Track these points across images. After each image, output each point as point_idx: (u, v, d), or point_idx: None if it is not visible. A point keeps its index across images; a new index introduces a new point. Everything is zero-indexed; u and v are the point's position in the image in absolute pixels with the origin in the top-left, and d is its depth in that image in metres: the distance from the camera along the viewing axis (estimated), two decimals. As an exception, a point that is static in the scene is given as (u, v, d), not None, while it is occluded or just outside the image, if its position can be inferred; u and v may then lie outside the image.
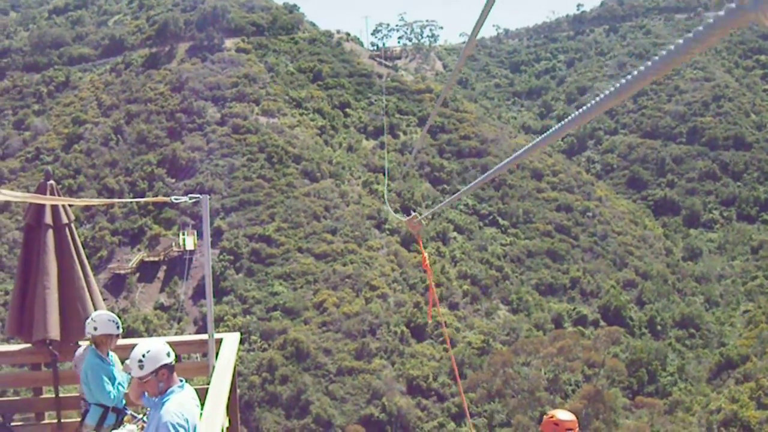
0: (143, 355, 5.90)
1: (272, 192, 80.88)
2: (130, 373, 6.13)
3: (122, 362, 8.32)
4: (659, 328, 73.28)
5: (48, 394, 9.78)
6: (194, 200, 8.47)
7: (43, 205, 9.17)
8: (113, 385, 8.06)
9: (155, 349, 5.97)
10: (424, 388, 60.73)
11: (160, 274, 73.34)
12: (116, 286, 70.37)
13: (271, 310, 67.47)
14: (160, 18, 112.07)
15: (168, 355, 5.99)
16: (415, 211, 79.30)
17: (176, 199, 8.49)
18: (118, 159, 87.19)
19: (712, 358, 68.41)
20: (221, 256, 71.81)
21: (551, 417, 7.11)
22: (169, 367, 6.00)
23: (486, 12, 2.79)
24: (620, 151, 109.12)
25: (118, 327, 8.20)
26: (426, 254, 6.39)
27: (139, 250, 75.90)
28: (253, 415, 56.49)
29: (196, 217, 75.38)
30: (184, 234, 73.72)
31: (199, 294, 69.39)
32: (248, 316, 66.24)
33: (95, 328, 8.07)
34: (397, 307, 68.77)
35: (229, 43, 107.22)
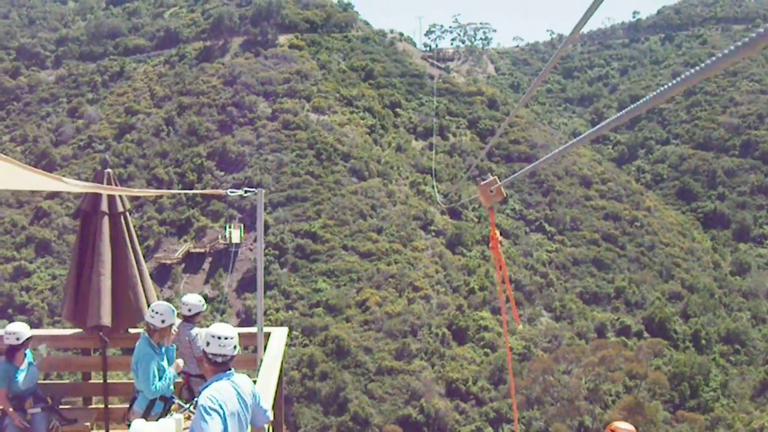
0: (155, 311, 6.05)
1: (320, 189, 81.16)
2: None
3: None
4: (704, 342, 72.21)
5: (96, 379, 9.89)
6: (249, 193, 8.50)
7: (100, 193, 9.27)
8: (162, 376, 8.13)
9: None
10: (463, 392, 60.50)
11: (206, 266, 73.95)
12: (162, 275, 71.04)
13: (314, 307, 67.69)
14: (215, 12, 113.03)
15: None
16: (463, 209, 79.16)
17: (231, 192, 8.53)
18: (169, 150, 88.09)
19: (756, 375, 67.32)
20: (266, 251, 72.05)
21: (611, 428, 7.04)
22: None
23: (592, 11, 2.76)
24: (671, 162, 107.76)
25: (175, 316, 8.33)
26: (498, 236, 5.95)
27: (185, 241, 76.62)
28: (291, 410, 56.73)
29: (243, 210, 75.97)
30: (230, 227, 74.31)
31: (243, 287, 69.84)
32: (291, 312, 66.54)
33: (163, 321, 8.16)
34: (440, 309, 68.63)
35: (282, 39, 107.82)
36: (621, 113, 2.86)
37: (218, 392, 5.97)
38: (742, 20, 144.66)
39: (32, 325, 9.15)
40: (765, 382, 65.02)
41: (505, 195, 5.60)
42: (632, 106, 2.74)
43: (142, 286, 9.58)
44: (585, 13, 2.92)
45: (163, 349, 8.31)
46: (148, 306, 8.60)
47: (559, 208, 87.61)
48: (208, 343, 6.13)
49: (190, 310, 9.13)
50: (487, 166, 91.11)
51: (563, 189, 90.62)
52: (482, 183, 5.51)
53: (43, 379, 9.34)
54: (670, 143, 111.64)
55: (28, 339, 8.73)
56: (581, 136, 3.36)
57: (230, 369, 6.22)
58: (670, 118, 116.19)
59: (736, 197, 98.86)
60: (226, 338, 6.13)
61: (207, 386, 6.04)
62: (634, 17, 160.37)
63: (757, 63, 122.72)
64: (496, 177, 5.71)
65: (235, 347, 6.21)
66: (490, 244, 5.89)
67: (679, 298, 78.25)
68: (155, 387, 8.04)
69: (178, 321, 8.50)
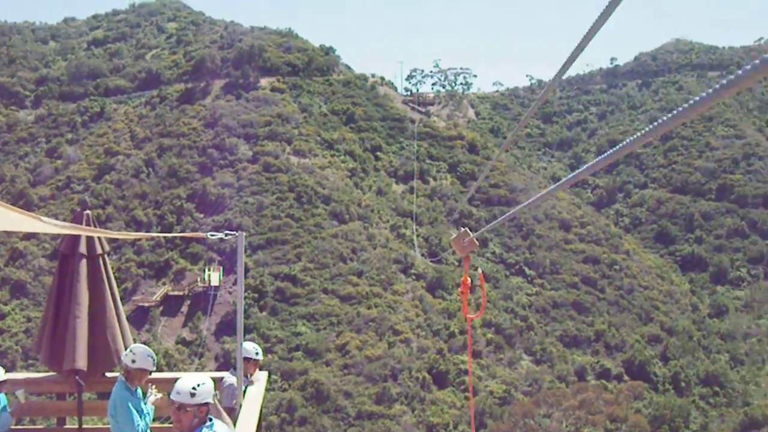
0: (198, 385, 5.96)
1: (300, 232, 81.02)
2: (173, 401, 6.13)
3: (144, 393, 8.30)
4: (683, 384, 72.34)
5: (71, 424, 9.75)
6: (229, 237, 8.44)
7: (79, 235, 9.20)
8: (141, 417, 8.00)
9: (210, 384, 6.06)
10: (444, 436, 60.10)
11: (184, 309, 73.45)
12: (139, 318, 70.45)
13: (293, 350, 67.27)
14: (197, 54, 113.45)
15: (213, 396, 6.09)
16: (440, 255, 79.23)
17: (212, 235, 8.46)
18: (148, 192, 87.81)
19: (735, 417, 67.31)
20: (245, 294, 71.49)
21: None
22: (208, 407, 6.06)
23: (571, 62, 2.77)
24: (649, 206, 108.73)
25: (153, 364, 8.17)
26: (469, 281, 6.04)
27: (164, 283, 76.10)
28: (270, 454, 56.14)
29: (223, 253, 75.66)
30: (209, 269, 73.99)
31: (221, 330, 69.36)
32: (270, 355, 66.03)
33: (133, 361, 8.02)
34: (420, 352, 68.37)
35: (264, 81, 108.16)
36: (597, 159, 2.86)
37: None
38: (717, 67, 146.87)
39: (5, 369, 9.02)
40: (744, 423, 64.98)
41: (478, 245, 5.69)
42: (609, 152, 2.73)
43: (120, 329, 9.49)
44: (564, 64, 2.93)
45: (140, 392, 8.19)
46: (125, 350, 8.50)
47: (539, 251, 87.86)
48: (179, 393, 6.05)
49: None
50: (468, 210, 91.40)
51: (543, 233, 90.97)
52: (455, 236, 5.66)
53: (16, 425, 9.18)
54: (648, 187, 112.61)
55: (2, 382, 8.59)
56: (555, 185, 3.33)
57: (211, 419, 6.14)
58: (648, 163, 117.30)
59: (713, 240, 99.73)
60: (199, 385, 6.05)
61: None
62: (611, 63, 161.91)
63: (731, 108, 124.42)
64: (466, 229, 5.83)
65: (212, 395, 6.14)
66: (460, 288, 5.97)
67: (658, 340, 78.49)
68: (139, 428, 7.92)
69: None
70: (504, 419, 58.88)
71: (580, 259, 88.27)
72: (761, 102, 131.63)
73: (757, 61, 1.69)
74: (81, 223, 9.11)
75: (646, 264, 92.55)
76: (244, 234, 8.43)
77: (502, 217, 5.39)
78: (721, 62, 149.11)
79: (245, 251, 8.09)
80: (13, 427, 8.91)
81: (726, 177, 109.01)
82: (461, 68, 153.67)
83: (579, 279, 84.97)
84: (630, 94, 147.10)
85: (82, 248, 9.28)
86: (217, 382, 9.46)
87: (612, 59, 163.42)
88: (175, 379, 6.25)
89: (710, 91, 1.97)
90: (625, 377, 71.78)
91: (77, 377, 9.15)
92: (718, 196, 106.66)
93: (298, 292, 73.93)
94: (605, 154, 2.72)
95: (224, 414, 8.04)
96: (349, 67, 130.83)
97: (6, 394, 8.84)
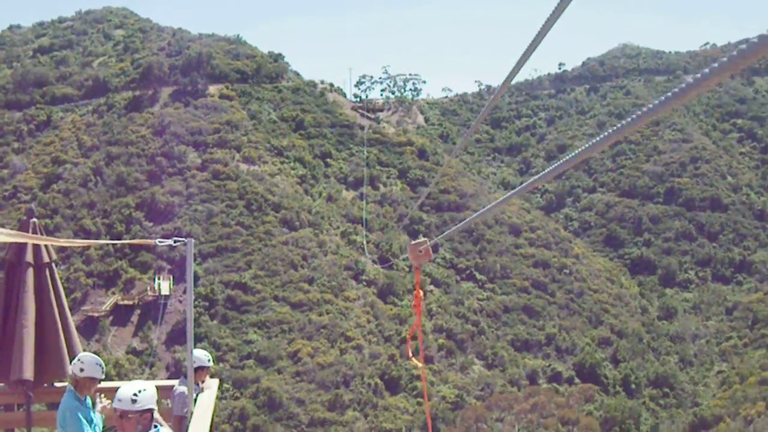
0: (139, 392, 5.93)
1: (250, 239, 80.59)
2: (116, 409, 6.09)
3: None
4: (633, 386, 73.18)
5: (19, 436, 9.61)
6: (178, 243, 8.37)
7: (25, 243, 9.07)
8: (91, 427, 7.91)
9: (152, 390, 6.02)
10: (397, 442, 60.16)
11: (134, 318, 72.62)
12: (89, 328, 69.54)
13: (245, 359, 66.90)
14: (145, 61, 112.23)
15: (157, 402, 6.05)
16: (393, 258, 79.30)
17: (161, 242, 8.39)
18: (96, 201, 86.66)
19: (685, 418, 68.20)
20: (196, 302, 70.99)
21: None
22: (153, 413, 6.02)
23: (519, 66, 2.80)
24: (598, 210, 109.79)
25: (102, 372, 8.09)
26: (421, 294, 6.01)
27: (113, 293, 75.16)
28: (222, 464, 55.73)
29: (173, 261, 74.99)
30: (159, 278, 73.30)
31: (172, 339, 68.75)
32: (221, 364, 65.60)
33: (81, 370, 7.93)
34: (372, 358, 68.37)
35: (212, 89, 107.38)
36: (551, 168, 2.87)
37: None
38: (664, 72, 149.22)
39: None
40: (694, 424, 65.85)
41: (432, 257, 5.66)
42: (562, 161, 2.75)
43: (68, 339, 9.36)
44: (512, 69, 2.95)
45: (89, 402, 8.09)
46: (72, 360, 8.40)
47: (490, 256, 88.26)
48: (120, 401, 6.01)
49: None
50: (418, 216, 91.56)
51: (493, 237, 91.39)
52: (413, 243, 5.60)
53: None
54: (597, 191, 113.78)
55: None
56: (510, 194, 3.34)
57: (156, 426, 6.11)
58: (596, 167, 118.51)
59: (661, 243, 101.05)
60: (140, 392, 6.03)
61: None
62: (560, 69, 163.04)
63: (678, 113, 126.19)
64: (426, 239, 5.79)
65: (154, 400, 6.11)
66: (413, 302, 5.95)
67: (608, 343, 79.31)
68: None
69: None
70: (456, 424, 59.10)
71: (530, 264, 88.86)
72: (707, 106, 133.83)
73: (713, 65, 1.72)
74: (27, 232, 8.99)
75: (596, 267, 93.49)
76: (194, 241, 8.36)
77: (461, 223, 5.38)
78: (668, 67, 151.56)
79: (195, 259, 8.03)
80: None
81: (673, 181, 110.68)
82: (410, 74, 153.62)
83: (529, 283, 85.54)
84: (578, 99, 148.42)
85: (29, 257, 9.15)
86: (168, 390, 9.40)
87: (560, 64, 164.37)
88: (125, 388, 6.20)
89: (662, 98, 1.98)
90: (576, 380, 72.46)
91: (25, 388, 9.02)
92: (666, 199, 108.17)
93: (249, 299, 73.56)
94: (560, 162, 2.72)
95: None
96: (298, 74, 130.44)
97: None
